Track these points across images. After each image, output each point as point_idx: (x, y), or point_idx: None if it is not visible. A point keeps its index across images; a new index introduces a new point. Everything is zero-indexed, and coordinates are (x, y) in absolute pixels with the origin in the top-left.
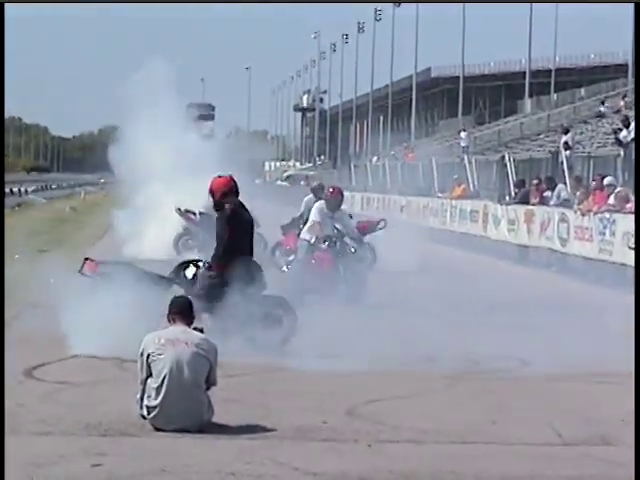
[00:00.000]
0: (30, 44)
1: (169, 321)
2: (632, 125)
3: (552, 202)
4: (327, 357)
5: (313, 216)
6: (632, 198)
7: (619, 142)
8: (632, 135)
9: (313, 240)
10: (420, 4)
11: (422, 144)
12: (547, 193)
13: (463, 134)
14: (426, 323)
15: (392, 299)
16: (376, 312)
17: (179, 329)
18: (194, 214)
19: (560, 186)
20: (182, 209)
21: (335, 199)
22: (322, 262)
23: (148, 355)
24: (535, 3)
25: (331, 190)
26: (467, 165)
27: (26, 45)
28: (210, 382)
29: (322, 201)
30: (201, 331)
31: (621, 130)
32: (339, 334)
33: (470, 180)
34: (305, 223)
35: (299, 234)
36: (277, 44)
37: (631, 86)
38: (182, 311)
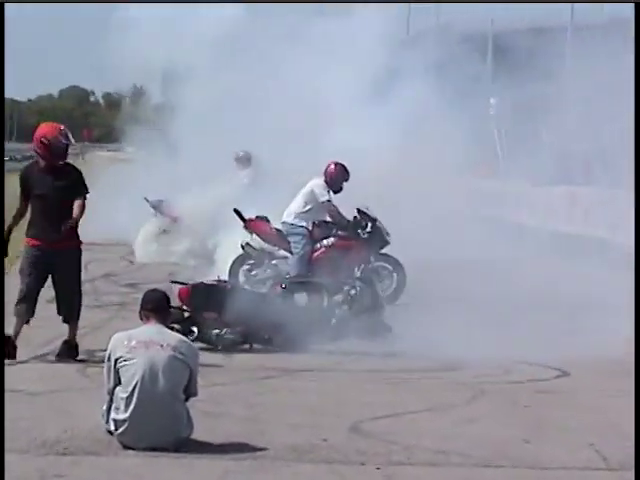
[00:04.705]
0: None
1: (142, 319)
2: None
3: None
4: (329, 362)
5: (322, 196)
6: None
7: None
8: None
9: (311, 226)
10: None
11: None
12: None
13: (493, 101)
14: (449, 322)
15: (413, 294)
16: (392, 308)
17: (153, 329)
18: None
19: None
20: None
21: (340, 176)
22: (348, 251)
23: (116, 359)
24: None
25: (333, 166)
26: (497, 137)
27: None
28: (189, 392)
29: (321, 180)
30: (179, 331)
31: None
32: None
33: (500, 155)
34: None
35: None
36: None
37: None
38: (157, 307)
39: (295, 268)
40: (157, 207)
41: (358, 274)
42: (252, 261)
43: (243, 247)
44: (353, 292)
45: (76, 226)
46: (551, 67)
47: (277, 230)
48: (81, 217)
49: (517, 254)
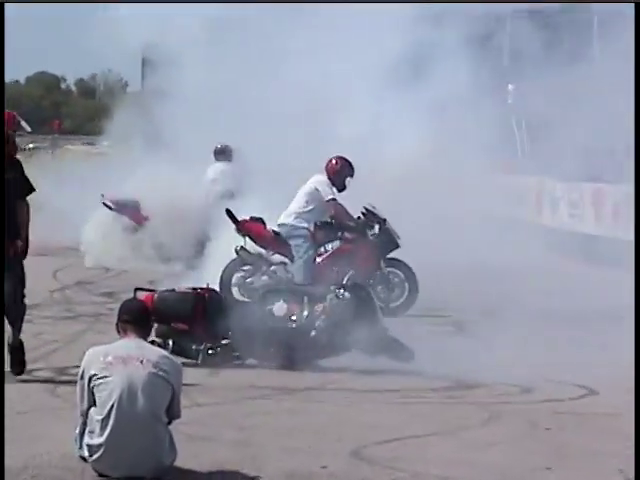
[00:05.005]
0: None
1: (119, 332)
2: None
3: None
4: (327, 380)
5: (327, 195)
6: None
7: None
8: None
9: (313, 227)
10: None
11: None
12: None
13: (511, 87)
14: (462, 335)
15: (424, 303)
16: (402, 320)
17: (132, 343)
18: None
19: None
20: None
21: (344, 172)
22: (361, 257)
23: (91, 377)
24: None
25: (335, 161)
26: (516, 128)
27: None
28: (172, 413)
29: (324, 176)
30: (160, 346)
31: None
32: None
33: (519, 148)
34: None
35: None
36: None
37: None
38: (136, 319)
39: (299, 275)
40: (117, 207)
41: (345, 280)
42: (247, 267)
43: (237, 252)
44: (335, 301)
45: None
46: (577, 50)
47: (275, 232)
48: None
49: (539, 258)
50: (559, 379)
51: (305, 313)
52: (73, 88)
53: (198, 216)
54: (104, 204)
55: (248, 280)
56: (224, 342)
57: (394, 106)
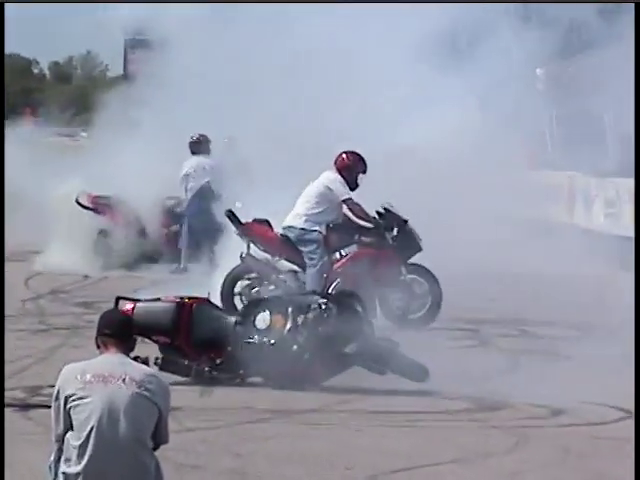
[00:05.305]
0: None
1: (98, 346)
2: None
3: None
4: (332, 401)
5: (342, 194)
6: None
7: None
8: None
9: (325, 230)
10: None
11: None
12: None
13: (540, 72)
14: (487, 351)
15: (444, 315)
16: (423, 333)
17: (114, 359)
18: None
19: None
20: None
21: (357, 168)
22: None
23: (67, 398)
24: None
25: (345, 156)
26: (547, 118)
27: None
28: (159, 439)
29: (335, 174)
30: (145, 362)
31: None
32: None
33: (549, 140)
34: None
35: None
36: None
37: None
38: (118, 332)
39: (313, 284)
40: (93, 205)
41: (331, 289)
42: (253, 275)
43: (242, 258)
44: (317, 313)
45: None
46: (612, 32)
47: (283, 237)
48: None
49: (572, 264)
50: (594, 400)
51: (288, 326)
52: (47, 72)
53: (175, 215)
54: (78, 203)
55: (254, 290)
56: (221, 359)
57: (407, 97)
